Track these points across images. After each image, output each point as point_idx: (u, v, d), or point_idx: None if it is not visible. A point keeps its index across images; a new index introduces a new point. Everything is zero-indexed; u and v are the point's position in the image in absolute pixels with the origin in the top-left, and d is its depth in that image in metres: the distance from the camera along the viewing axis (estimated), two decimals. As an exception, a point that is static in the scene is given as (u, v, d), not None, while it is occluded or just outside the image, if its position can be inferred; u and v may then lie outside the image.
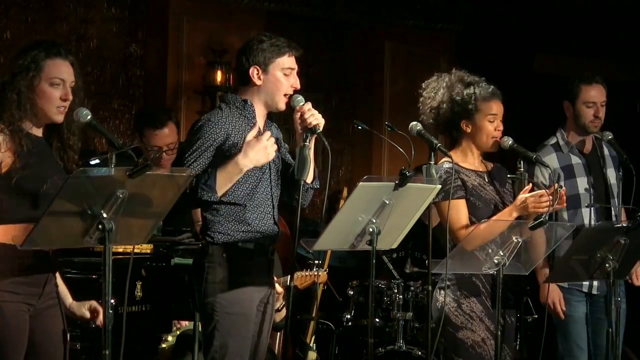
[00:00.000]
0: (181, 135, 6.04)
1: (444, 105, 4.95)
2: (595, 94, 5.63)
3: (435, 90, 4.98)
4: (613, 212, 5.65)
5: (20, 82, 3.93)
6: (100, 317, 4.11)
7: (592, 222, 5.57)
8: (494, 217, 4.82)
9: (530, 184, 4.84)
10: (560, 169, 5.56)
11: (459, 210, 4.85)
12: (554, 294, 5.52)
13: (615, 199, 5.70)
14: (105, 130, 3.95)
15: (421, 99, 5.03)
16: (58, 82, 3.96)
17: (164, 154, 5.76)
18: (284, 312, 5.14)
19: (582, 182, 5.59)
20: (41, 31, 7.32)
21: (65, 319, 4.08)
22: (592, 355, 5.66)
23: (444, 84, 4.98)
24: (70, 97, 3.97)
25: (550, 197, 4.76)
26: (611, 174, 5.72)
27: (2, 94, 3.94)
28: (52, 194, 3.79)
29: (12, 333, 3.85)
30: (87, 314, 4.17)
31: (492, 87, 5.00)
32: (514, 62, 8.94)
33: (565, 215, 5.46)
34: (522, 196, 4.79)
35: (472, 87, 4.95)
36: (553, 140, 5.69)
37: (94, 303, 4.16)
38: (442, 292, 4.85)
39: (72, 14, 7.55)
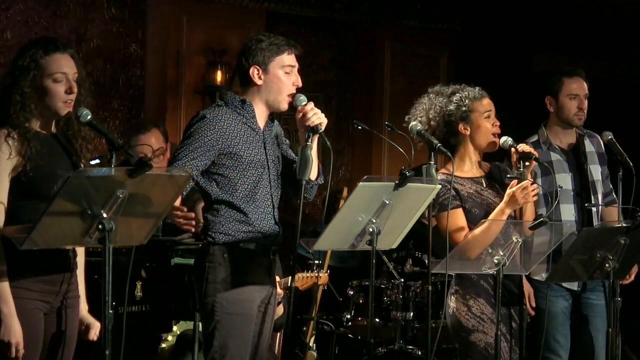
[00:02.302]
0: (178, 136, 6.06)
1: (435, 121, 4.95)
2: (577, 86, 5.65)
3: (422, 114, 4.99)
4: (594, 210, 5.66)
5: (22, 82, 3.93)
6: (91, 332, 4.14)
7: (573, 218, 5.58)
8: (488, 218, 4.83)
9: (516, 180, 4.86)
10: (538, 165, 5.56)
11: (456, 220, 4.85)
12: (524, 289, 5.50)
13: (598, 196, 5.71)
14: (106, 130, 3.95)
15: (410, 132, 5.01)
16: (60, 78, 3.96)
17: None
18: (281, 309, 5.14)
19: (561, 179, 5.59)
20: (41, 31, 7.32)
21: (78, 319, 4.11)
22: (587, 351, 5.67)
23: (426, 105, 4.99)
24: (75, 90, 3.98)
25: (537, 185, 4.84)
26: (595, 170, 5.72)
27: (6, 97, 3.94)
28: None
29: (26, 330, 3.87)
30: (90, 329, 4.17)
31: (477, 87, 5.02)
32: (514, 62, 8.95)
33: (543, 211, 5.46)
34: (509, 191, 4.82)
35: (457, 93, 4.96)
36: (534, 138, 5.71)
37: (95, 328, 4.15)
38: (452, 297, 4.86)
39: (72, 14, 7.55)
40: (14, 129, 3.90)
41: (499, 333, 4.75)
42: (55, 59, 3.97)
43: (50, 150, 3.97)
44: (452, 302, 4.87)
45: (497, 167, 5.10)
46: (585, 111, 5.66)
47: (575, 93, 5.64)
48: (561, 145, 5.70)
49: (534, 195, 4.82)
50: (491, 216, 4.83)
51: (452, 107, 4.94)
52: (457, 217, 4.86)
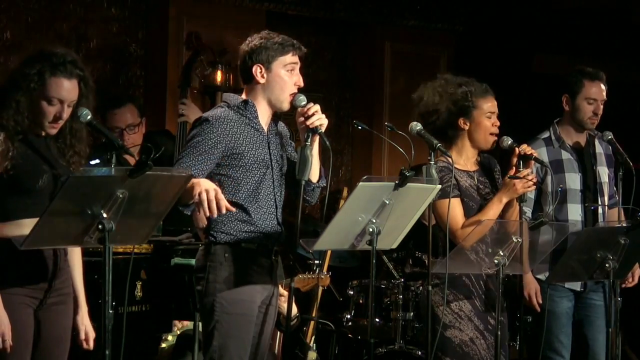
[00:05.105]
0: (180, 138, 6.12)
1: (440, 107, 4.97)
2: (597, 91, 5.62)
3: (430, 97, 5.01)
4: (600, 210, 5.65)
5: (21, 91, 3.95)
6: (89, 342, 4.15)
7: (579, 218, 5.57)
8: (486, 207, 4.87)
9: (514, 168, 4.89)
10: (549, 163, 5.55)
11: (455, 210, 4.87)
12: (530, 287, 5.50)
13: (605, 197, 5.70)
14: (106, 130, 3.96)
15: (417, 110, 5.05)
16: (55, 103, 3.97)
17: (125, 132, 5.88)
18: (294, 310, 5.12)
19: (571, 178, 5.59)
20: (41, 31, 7.32)
21: (73, 317, 4.11)
22: (587, 351, 5.67)
23: (437, 90, 5.01)
24: (64, 117, 3.99)
25: (534, 175, 4.92)
26: (602, 172, 5.71)
27: (2, 97, 3.95)
28: (48, 189, 3.83)
29: (14, 325, 3.87)
30: (82, 335, 4.17)
31: (484, 84, 5.04)
32: (514, 62, 8.94)
33: (549, 209, 5.45)
34: (507, 179, 4.84)
35: (464, 86, 4.99)
36: (546, 134, 5.69)
37: (88, 333, 4.17)
38: (431, 289, 4.87)
39: (72, 14, 7.54)
40: (1, 130, 3.92)
41: (498, 333, 4.76)
42: (59, 82, 3.97)
43: (37, 150, 4.00)
44: (429, 294, 4.85)
45: (487, 158, 5.14)
46: (600, 116, 5.64)
47: (594, 97, 5.61)
48: (572, 144, 5.69)
49: (533, 184, 4.87)
50: (488, 205, 4.88)
51: (457, 98, 4.97)
52: (456, 207, 4.87)
